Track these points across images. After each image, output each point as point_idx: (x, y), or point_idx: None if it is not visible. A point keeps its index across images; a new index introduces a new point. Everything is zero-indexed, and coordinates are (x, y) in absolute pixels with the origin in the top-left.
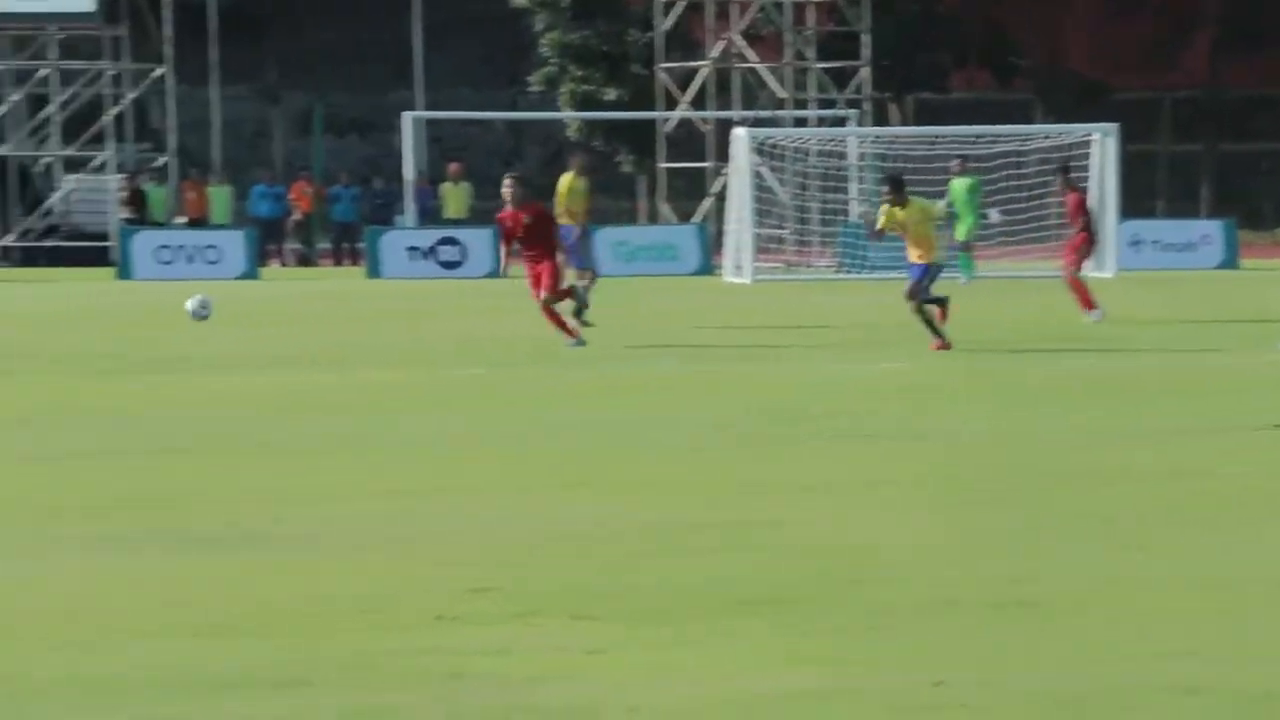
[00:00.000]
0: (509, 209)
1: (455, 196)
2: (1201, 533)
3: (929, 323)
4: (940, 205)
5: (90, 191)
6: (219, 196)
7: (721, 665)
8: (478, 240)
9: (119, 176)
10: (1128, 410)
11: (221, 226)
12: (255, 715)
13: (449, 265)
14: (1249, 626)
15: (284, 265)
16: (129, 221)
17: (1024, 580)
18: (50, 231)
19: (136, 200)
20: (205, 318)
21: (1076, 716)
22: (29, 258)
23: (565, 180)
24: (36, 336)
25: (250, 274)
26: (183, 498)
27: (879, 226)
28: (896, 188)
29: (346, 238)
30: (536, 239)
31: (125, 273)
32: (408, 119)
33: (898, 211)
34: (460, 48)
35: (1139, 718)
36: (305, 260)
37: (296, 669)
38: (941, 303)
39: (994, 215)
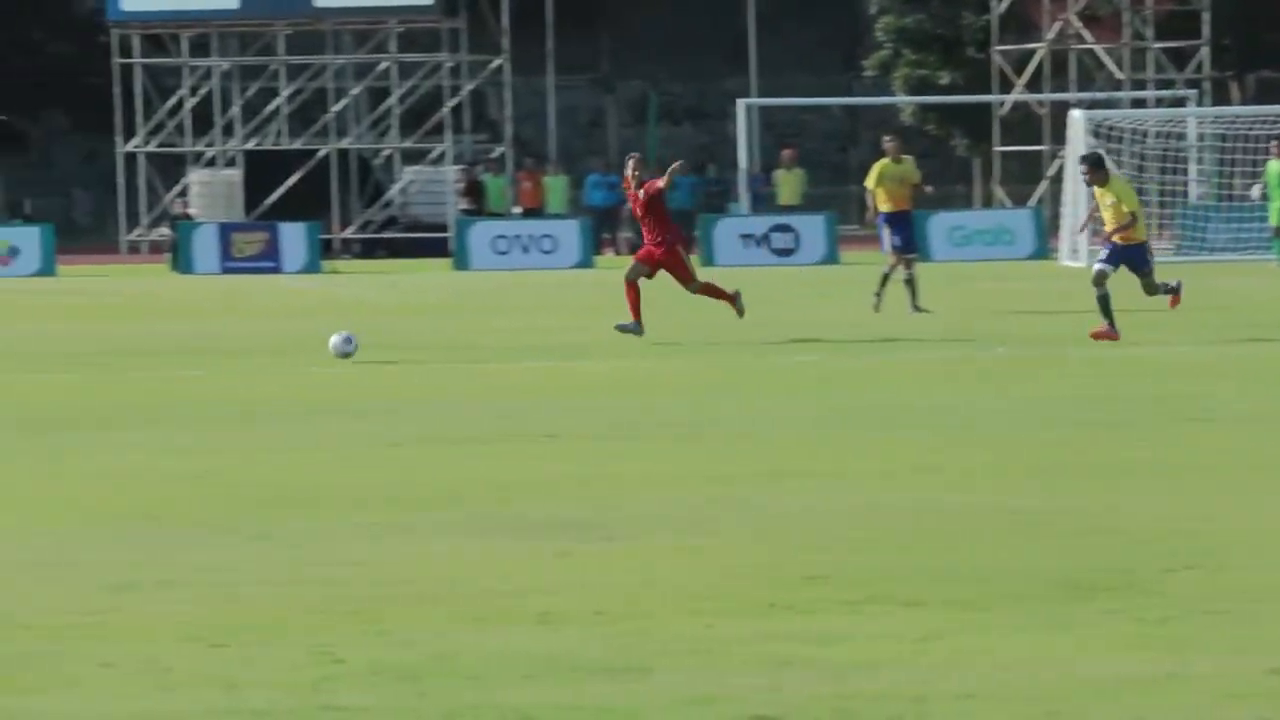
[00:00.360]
0: (631, 189)
1: (789, 183)
2: None
3: (1106, 309)
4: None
5: (429, 183)
6: (555, 186)
7: (1055, 651)
8: (811, 227)
9: (457, 168)
10: None
11: (558, 216)
12: (592, 703)
13: (782, 252)
14: None
15: (618, 254)
16: (466, 212)
17: None
18: (390, 223)
19: (474, 191)
20: (349, 354)
21: None
22: (368, 249)
23: (875, 168)
24: (384, 325)
25: (585, 263)
26: (516, 486)
27: None
28: (1095, 166)
29: (682, 225)
30: (654, 220)
31: (462, 263)
32: (742, 106)
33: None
34: (794, 33)
35: None
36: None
37: (632, 657)
38: (1175, 290)
39: (1255, 191)
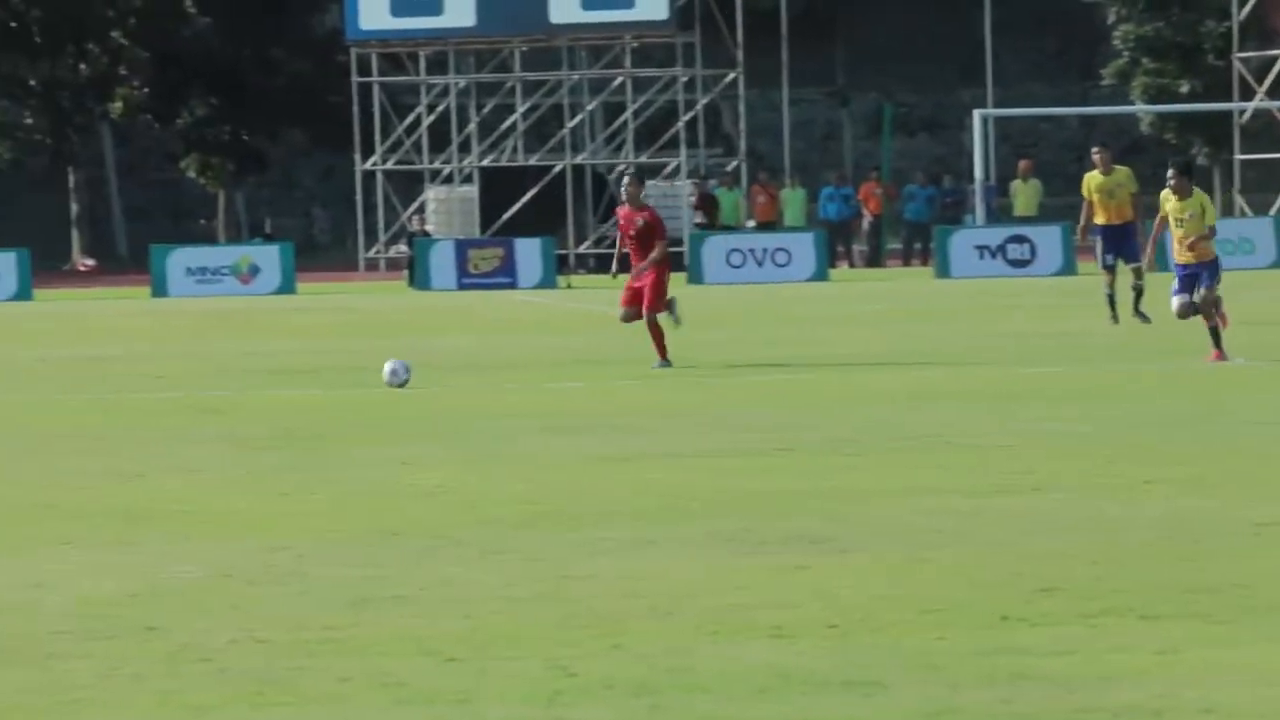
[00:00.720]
0: (625, 207)
1: (1025, 194)
2: None
3: (1215, 330)
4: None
5: (663, 197)
6: (792, 200)
7: None
8: (1047, 238)
9: (690, 182)
10: None
11: (793, 229)
12: (826, 716)
13: (1018, 264)
14: None
15: (852, 266)
16: (700, 226)
17: None
18: None
19: (707, 205)
20: (403, 383)
21: None
22: (603, 264)
23: (1085, 180)
24: (617, 340)
25: (820, 276)
26: (750, 498)
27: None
28: (1184, 172)
29: (918, 238)
30: (643, 244)
31: (696, 277)
32: (977, 116)
33: (1172, 200)
34: (1030, 43)
35: None
36: (873, 261)
37: (867, 670)
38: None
39: None
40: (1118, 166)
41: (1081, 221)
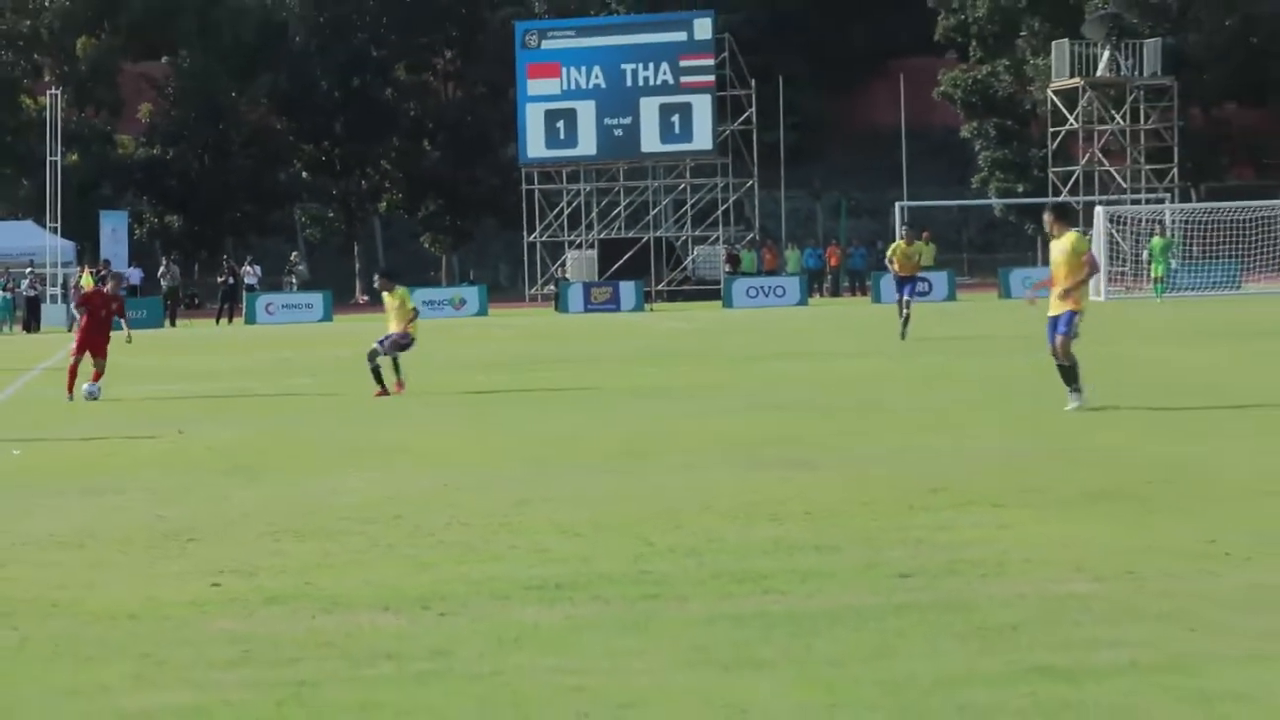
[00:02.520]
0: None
1: (925, 253)
2: None
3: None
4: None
5: (708, 257)
6: (792, 256)
7: (1082, 533)
8: (939, 279)
9: (724, 246)
10: None
11: (789, 274)
12: (807, 565)
13: (921, 294)
14: None
15: (822, 297)
16: (729, 273)
17: None
18: (684, 281)
19: (734, 260)
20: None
21: None
22: (672, 297)
23: (892, 247)
24: (677, 342)
25: (803, 303)
26: (755, 439)
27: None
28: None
29: (860, 280)
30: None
31: (728, 304)
32: (898, 207)
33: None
34: (929, 163)
35: None
36: (835, 294)
37: (828, 539)
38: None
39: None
40: (917, 240)
41: (894, 269)
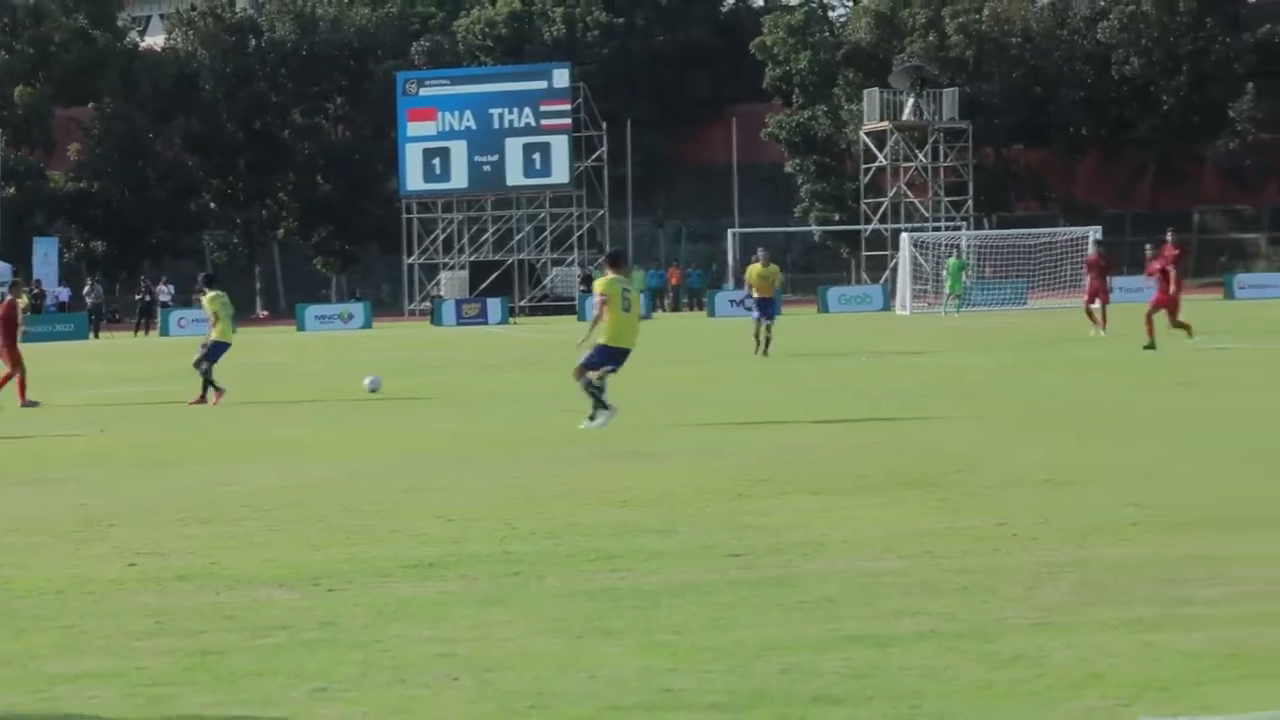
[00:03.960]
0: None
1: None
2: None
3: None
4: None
5: (565, 277)
6: (637, 276)
7: (891, 517)
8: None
9: (580, 268)
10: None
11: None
12: (647, 545)
13: (749, 309)
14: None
15: (664, 312)
16: (584, 291)
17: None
18: (544, 298)
19: (587, 281)
20: (376, 390)
21: (1088, 536)
22: (534, 311)
23: (749, 269)
24: (540, 351)
25: (647, 316)
26: (597, 433)
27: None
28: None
29: (698, 297)
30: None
31: (581, 317)
32: (730, 233)
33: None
34: (758, 193)
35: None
36: (675, 309)
37: (668, 523)
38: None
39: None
40: (772, 264)
41: (750, 292)
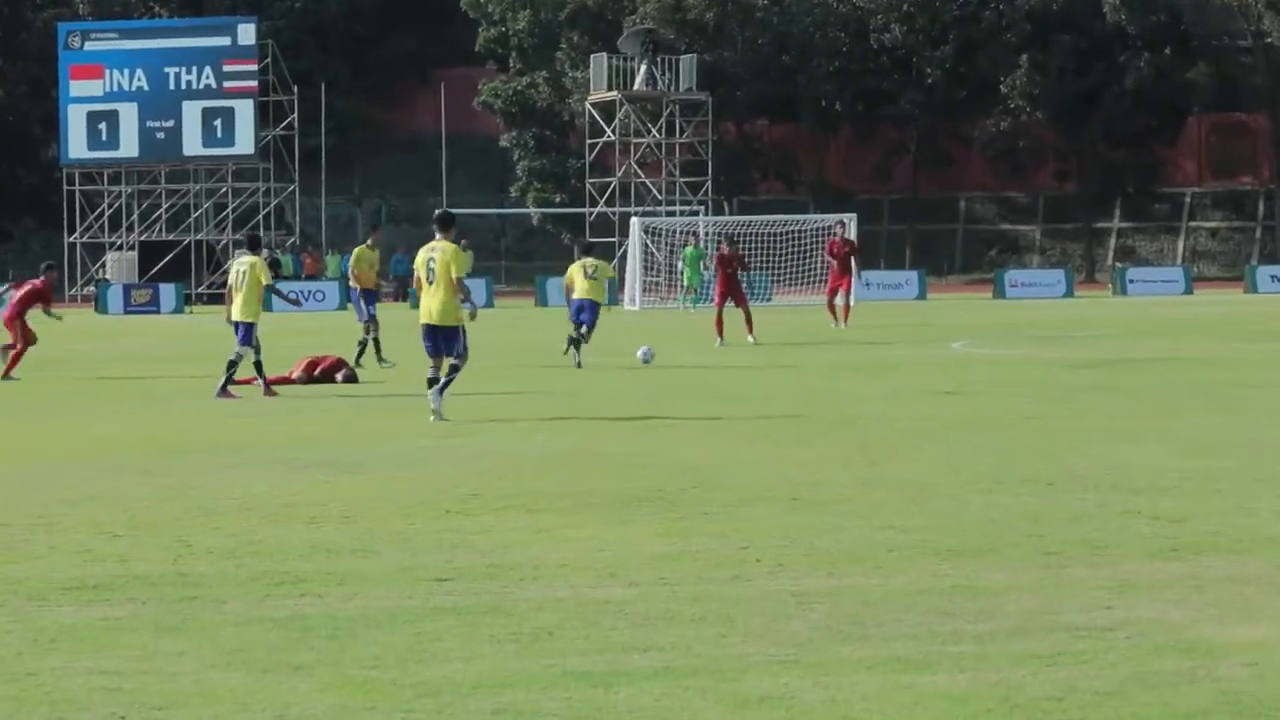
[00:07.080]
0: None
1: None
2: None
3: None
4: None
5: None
6: (331, 261)
7: (618, 538)
8: (476, 286)
9: (266, 250)
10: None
11: (330, 279)
12: (343, 568)
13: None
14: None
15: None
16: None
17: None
18: (225, 284)
19: (275, 265)
20: (649, 360)
21: (840, 563)
22: (214, 300)
23: (355, 252)
24: (211, 344)
25: (342, 308)
26: (296, 439)
27: None
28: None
29: (404, 286)
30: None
31: (266, 306)
32: (437, 212)
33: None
34: (469, 169)
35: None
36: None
37: (366, 542)
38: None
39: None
40: (375, 247)
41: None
